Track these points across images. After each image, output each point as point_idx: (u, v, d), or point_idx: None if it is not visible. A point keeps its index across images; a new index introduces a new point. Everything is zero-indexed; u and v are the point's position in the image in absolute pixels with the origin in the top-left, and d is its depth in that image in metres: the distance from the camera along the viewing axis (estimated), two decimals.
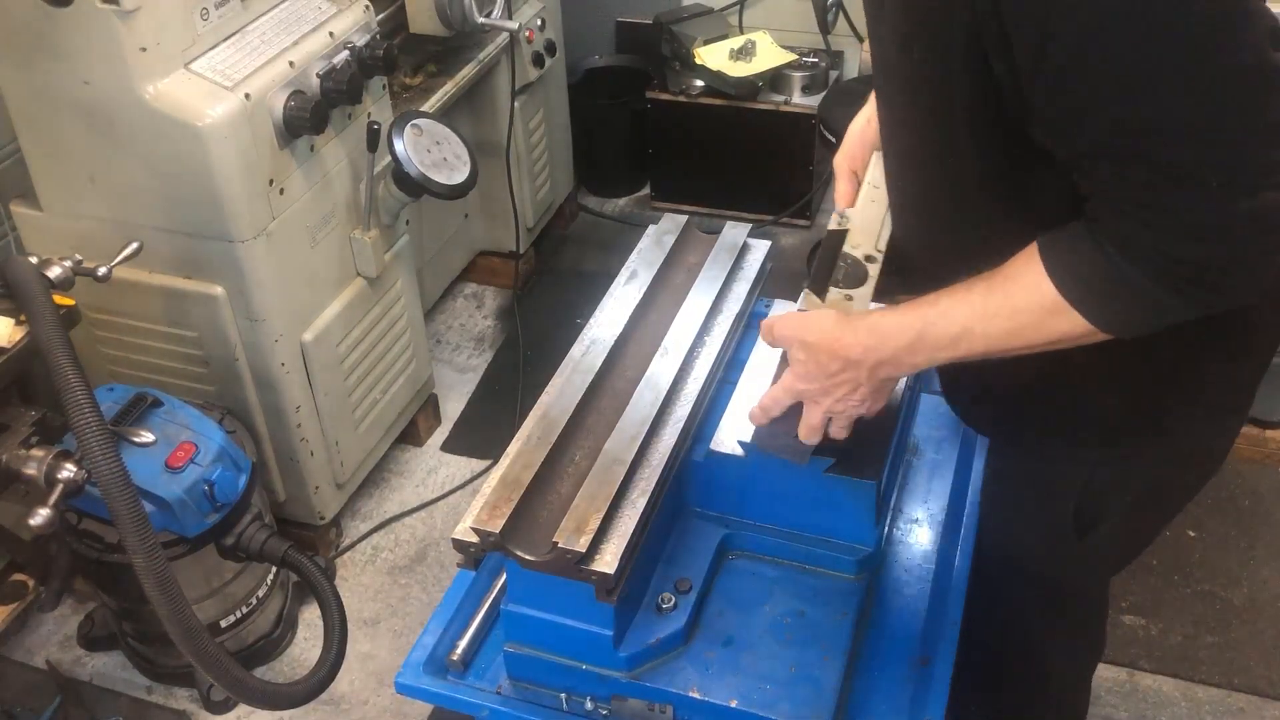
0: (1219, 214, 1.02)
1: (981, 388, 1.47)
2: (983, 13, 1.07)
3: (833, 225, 1.44)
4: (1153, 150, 1.03)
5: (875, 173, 1.56)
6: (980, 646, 1.60)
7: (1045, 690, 1.86)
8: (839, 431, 1.36)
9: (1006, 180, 1.23)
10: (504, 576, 1.42)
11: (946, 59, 1.14)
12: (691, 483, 1.48)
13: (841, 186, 1.60)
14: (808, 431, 1.35)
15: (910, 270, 1.48)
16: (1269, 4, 1.12)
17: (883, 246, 1.40)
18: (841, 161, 1.63)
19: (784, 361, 1.35)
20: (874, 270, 1.37)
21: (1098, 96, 1.04)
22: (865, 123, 1.64)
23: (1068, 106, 1.07)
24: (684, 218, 1.81)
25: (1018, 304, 1.15)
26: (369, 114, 2.48)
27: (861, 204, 1.51)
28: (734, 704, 1.31)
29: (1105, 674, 2.40)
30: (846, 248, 1.40)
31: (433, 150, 2.51)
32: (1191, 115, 1.01)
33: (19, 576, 2.51)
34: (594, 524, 1.27)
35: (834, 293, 1.33)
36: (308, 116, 2.22)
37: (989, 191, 1.26)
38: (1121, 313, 1.12)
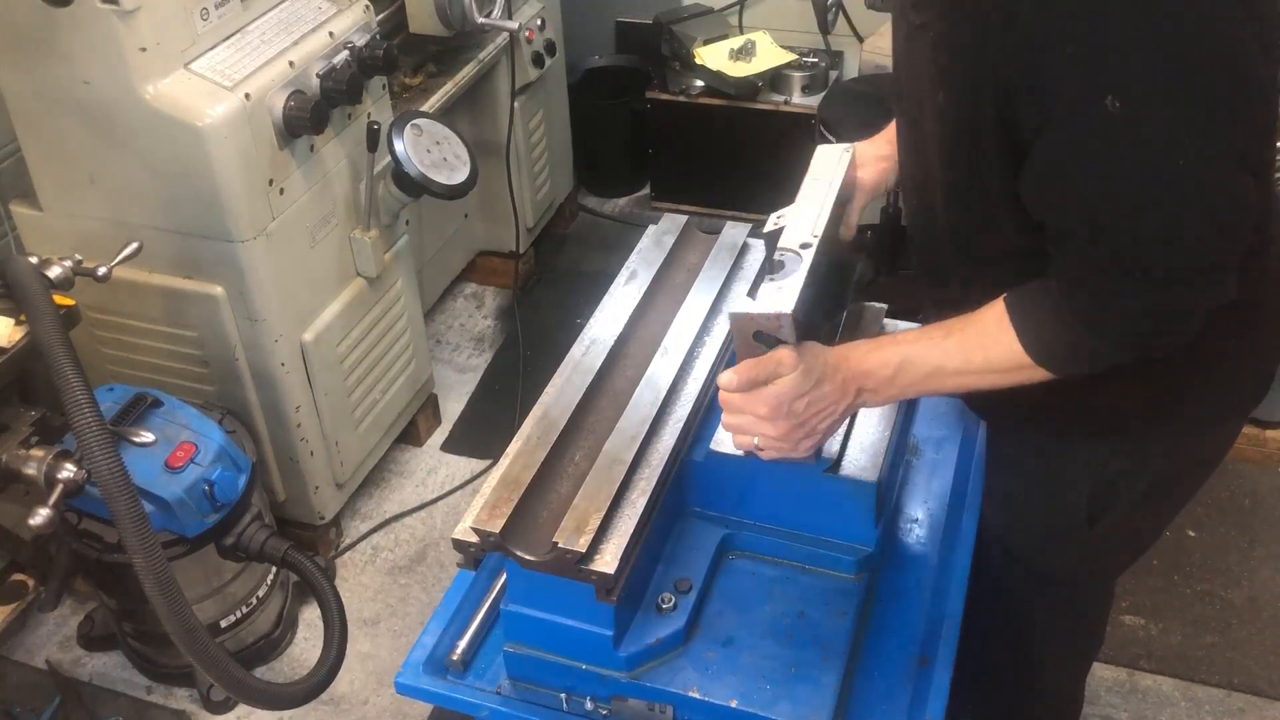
0: (1173, 300, 1.18)
1: None
2: (1006, 79, 1.17)
3: (768, 227, 1.44)
4: (1118, 246, 1.16)
5: (816, 165, 1.56)
6: (978, 640, 1.60)
7: (1043, 686, 1.86)
8: (763, 454, 1.35)
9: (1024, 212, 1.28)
10: (504, 576, 1.42)
11: (975, 103, 1.22)
12: (691, 483, 1.48)
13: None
14: (733, 431, 1.35)
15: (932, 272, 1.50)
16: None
17: (819, 231, 1.41)
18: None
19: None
20: (808, 255, 1.37)
21: (1077, 189, 1.16)
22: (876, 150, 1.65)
23: (1050, 188, 1.19)
24: (684, 218, 1.81)
25: (990, 357, 1.27)
26: (369, 114, 2.48)
27: (800, 197, 1.51)
28: (734, 704, 1.31)
29: (1105, 674, 2.41)
30: (781, 243, 1.40)
31: (433, 150, 2.51)
32: (1158, 223, 1.14)
33: (19, 576, 2.51)
34: (594, 524, 1.27)
35: (766, 285, 1.34)
36: (308, 116, 2.22)
37: (1009, 215, 1.31)
38: (1080, 366, 1.27)
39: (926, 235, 1.47)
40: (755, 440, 1.34)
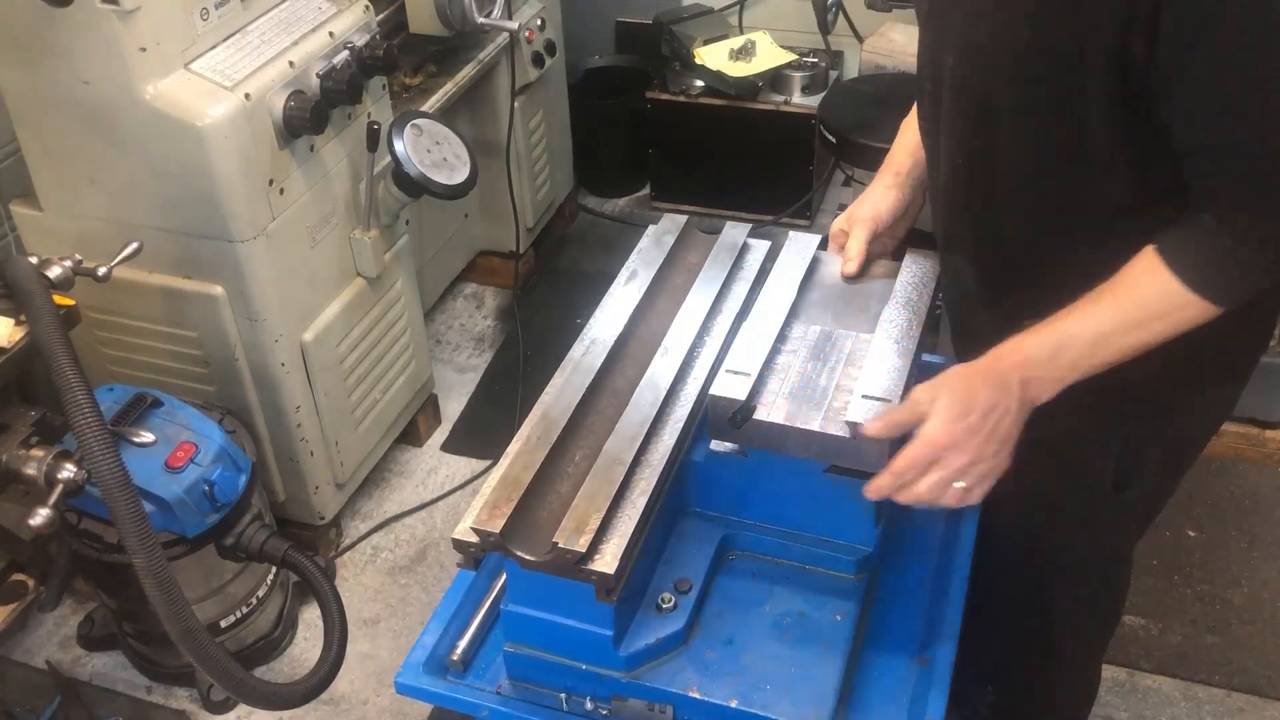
0: None
1: None
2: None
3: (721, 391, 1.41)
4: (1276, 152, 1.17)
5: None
6: (996, 625, 1.63)
7: (1063, 666, 1.87)
8: (973, 494, 1.32)
9: (1132, 162, 1.28)
10: (504, 576, 1.42)
11: (1084, 34, 1.20)
12: (691, 483, 1.48)
13: (860, 240, 1.59)
14: (935, 490, 1.30)
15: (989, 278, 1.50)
16: None
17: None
18: (865, 220, 1.62)
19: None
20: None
21: (1234, 101, 1.16)
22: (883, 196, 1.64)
23: (1205, 104, 1.18)
24: (684, 218, 1.81)
25: (1148, 303, 1.27)
26: (369, 114, 2.48)
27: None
28: (734, 704, 1.31)
29: (1105, 674, 2.39)
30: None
31: (433, 150, 2.51)
32: None
33: (19, 576, 2.51)
34: (594, 524, 1.27)
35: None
36: (308, 116, 2.22)
37: (1115, 173, 1.31)
38: (1243, 291, 1.27)
39: (978, 231, 1.46)
40: (959, 484, 1.30)
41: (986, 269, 1.50)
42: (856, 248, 1.59)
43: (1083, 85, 1.23)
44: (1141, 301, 1.27)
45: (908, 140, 1.65)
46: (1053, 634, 1.79)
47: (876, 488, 1.32)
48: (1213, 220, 1.23)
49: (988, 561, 1.60)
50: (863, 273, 1.60)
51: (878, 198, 1.63)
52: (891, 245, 1.67)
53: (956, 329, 1.66)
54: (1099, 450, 1.53)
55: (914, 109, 1.63)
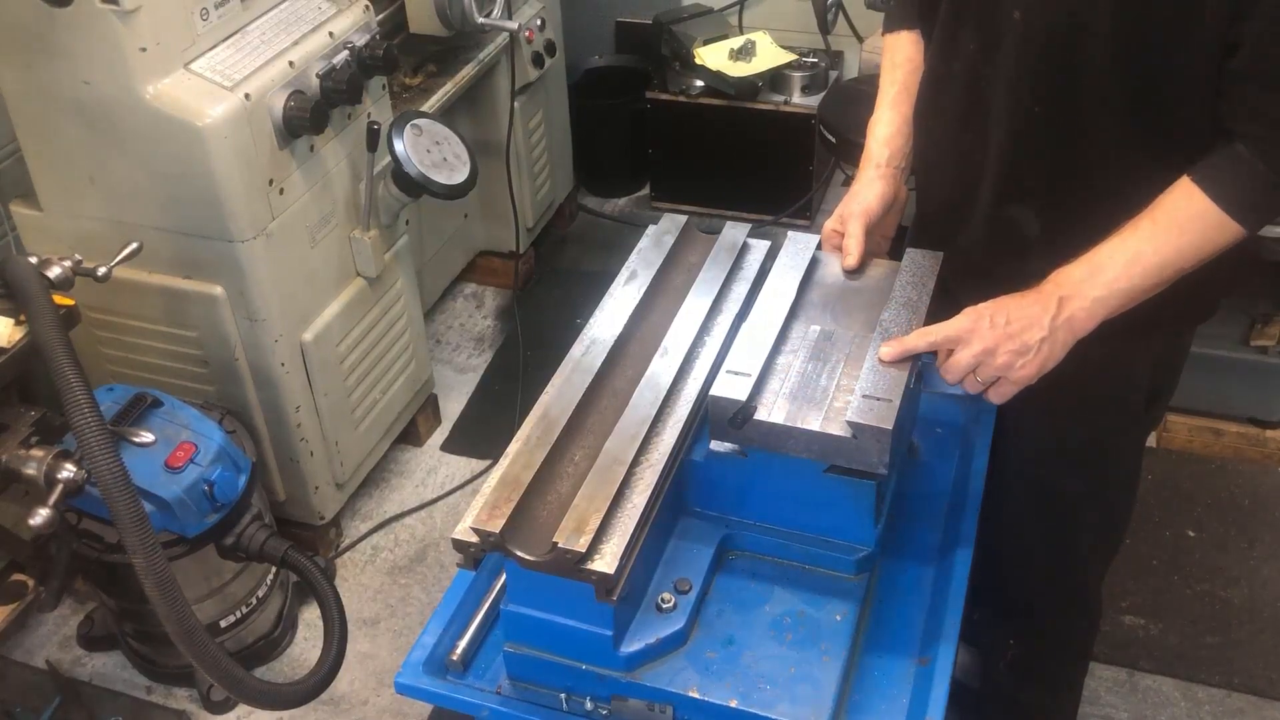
0: None
1: None
2: None
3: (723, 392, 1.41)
4: None
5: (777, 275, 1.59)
6: (1018, 569, 1.74)
7: (1085, 596, 1.93)
8: (991, 393, 1.40)
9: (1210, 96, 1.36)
10: (504, 576, 1.42)
11: None
12: (691, 483, 1.48)
13: (858, 234, 1.59)
14: (953, 371, 1.39)
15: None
16: None
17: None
18: (859, 213, 1.61)
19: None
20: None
21: None
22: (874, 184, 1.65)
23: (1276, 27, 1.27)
24: (684, 218, 1.80)
25: (1182, 224, 1.35)
26: (369, 114, 2.48)
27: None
28: (734, 704, 1.31)
29: (1105, 674, 2.41)
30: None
31: (432, 150, 2.51)
32: None
33: (19, 576, 2.51)
34: (594, 524, 1.27)
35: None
36: (308, 116, 2.22)
37: (1206, 95, 1.36)
38: (1269, 214, 1.36)
39: (1053, 173, 1.49)
40: (979, 377, 1.39)
41: (1055, 211, 1.52)
42: (855, 241, 1.58)
43: (1190, 6, 1.29)
44: (1175, 222, 1.35)
45: (881, 132, 1.68)
46: (1075, 564, 1.85)
47: (900, 346, 1.38)
48: (1246, 148, 1.32)
49: (1015, 503, 1.69)
50: (862, 271, 1.60)
51: (865, 191, 1.64)
52: (886, 245, 1.67)
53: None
54: (1132, 371, 1.61)
55: (882, 106, 1.70)
